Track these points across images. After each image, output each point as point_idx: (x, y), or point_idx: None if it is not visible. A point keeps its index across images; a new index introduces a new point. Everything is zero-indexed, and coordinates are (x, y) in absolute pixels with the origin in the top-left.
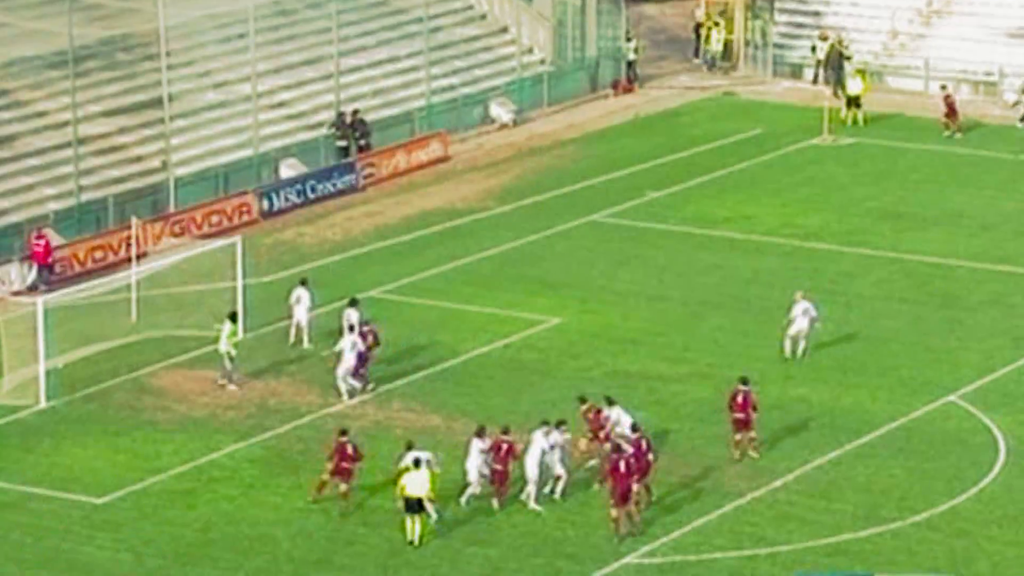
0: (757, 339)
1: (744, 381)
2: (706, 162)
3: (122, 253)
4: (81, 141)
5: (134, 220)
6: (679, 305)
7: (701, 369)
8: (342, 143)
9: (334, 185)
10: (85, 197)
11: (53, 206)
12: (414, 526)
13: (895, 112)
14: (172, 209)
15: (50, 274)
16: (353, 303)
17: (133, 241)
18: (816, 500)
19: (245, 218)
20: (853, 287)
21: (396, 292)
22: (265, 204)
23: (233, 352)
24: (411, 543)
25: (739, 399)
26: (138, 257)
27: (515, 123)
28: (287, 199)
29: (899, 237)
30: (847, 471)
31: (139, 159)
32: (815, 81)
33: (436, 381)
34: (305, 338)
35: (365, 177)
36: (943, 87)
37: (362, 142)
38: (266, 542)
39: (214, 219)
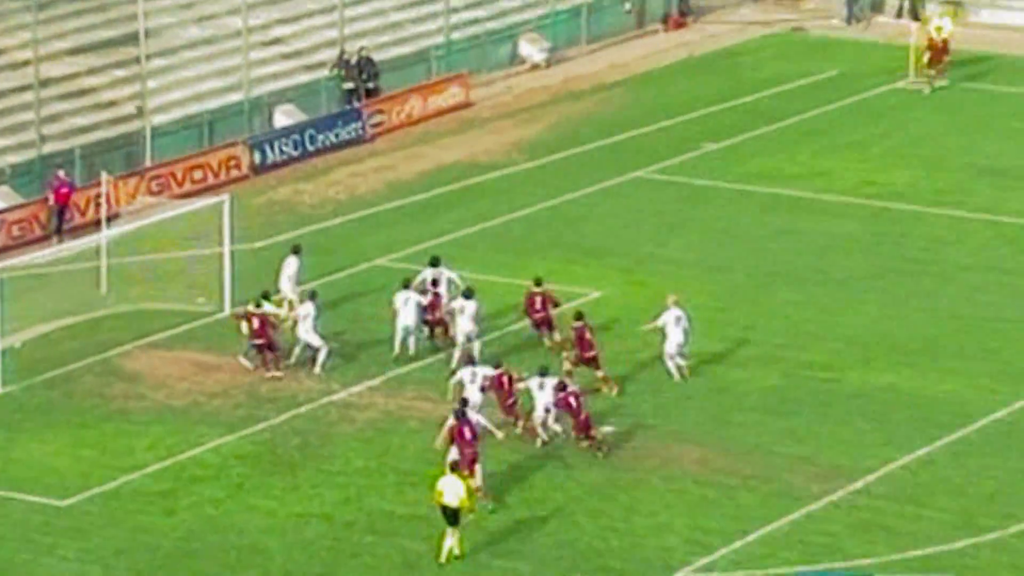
0: (834, 316)
1: (550, 297)
2: (772, 109)
3: (90, 214)
4: (43, 83)
5: (104, 176)
6: (742, 276)
7: (769, 352)
8: (349, 85)
9: (337, 135)
10: (48, 149)
11: (11, 159)
12: (454, 541)
13: (994, 52)
14: (148, 163)
15: (60, 220)
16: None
17: (103, 200)
18: (903, 505)
19: (234, 173)
20: (946, 255)
21: (409, 260)
22: (257, 157)
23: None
24: (440, 563)
25: (536, 304)
26: (108, 219)
27: (548, 63)
28: (282, 151)
29: (999, 197)
30: (939, 472)
31: (110, 104)
32: (899, 15)
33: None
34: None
35: (373, 126)
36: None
37: (369, 85)
38: (257, 553)
39: (197, 174)
